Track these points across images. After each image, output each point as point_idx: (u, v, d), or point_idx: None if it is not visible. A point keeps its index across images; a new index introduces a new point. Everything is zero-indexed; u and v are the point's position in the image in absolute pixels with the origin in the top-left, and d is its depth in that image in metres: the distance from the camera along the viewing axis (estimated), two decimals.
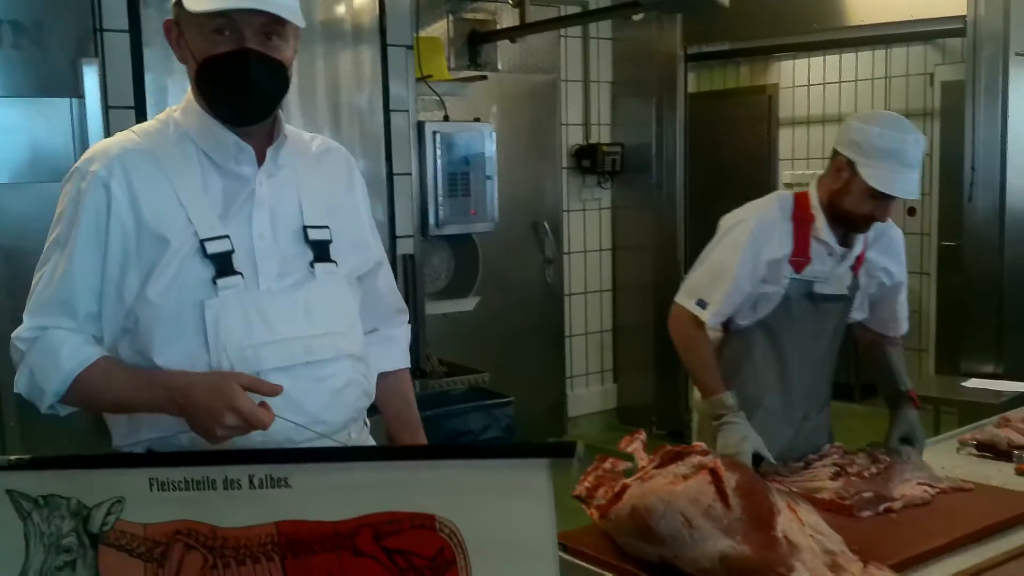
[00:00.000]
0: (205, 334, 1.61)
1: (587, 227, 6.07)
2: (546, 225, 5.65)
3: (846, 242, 2.51)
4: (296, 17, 1.62)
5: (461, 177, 4.66)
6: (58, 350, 1.61)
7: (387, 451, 1.58)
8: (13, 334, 1.64)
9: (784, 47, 6.00)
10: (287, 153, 1.75)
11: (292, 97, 3.54)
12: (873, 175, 2.33)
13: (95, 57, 3.00)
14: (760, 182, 6.07)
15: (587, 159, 5.88)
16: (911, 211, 6.21)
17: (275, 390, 1.55)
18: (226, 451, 1.51)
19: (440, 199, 4.60)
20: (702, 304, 2.46)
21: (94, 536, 1.51)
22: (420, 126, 4.45)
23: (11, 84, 2.84)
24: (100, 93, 2.99)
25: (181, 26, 1.65)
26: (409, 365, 2.06)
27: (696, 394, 2.59)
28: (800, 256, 2.46)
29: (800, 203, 2.49)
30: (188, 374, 1.58)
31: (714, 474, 1.67)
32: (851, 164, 2.36)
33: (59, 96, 2.93)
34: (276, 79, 1.65)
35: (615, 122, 6.07)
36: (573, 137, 5.92)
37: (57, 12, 2.91)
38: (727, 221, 2.54)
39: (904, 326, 2.74)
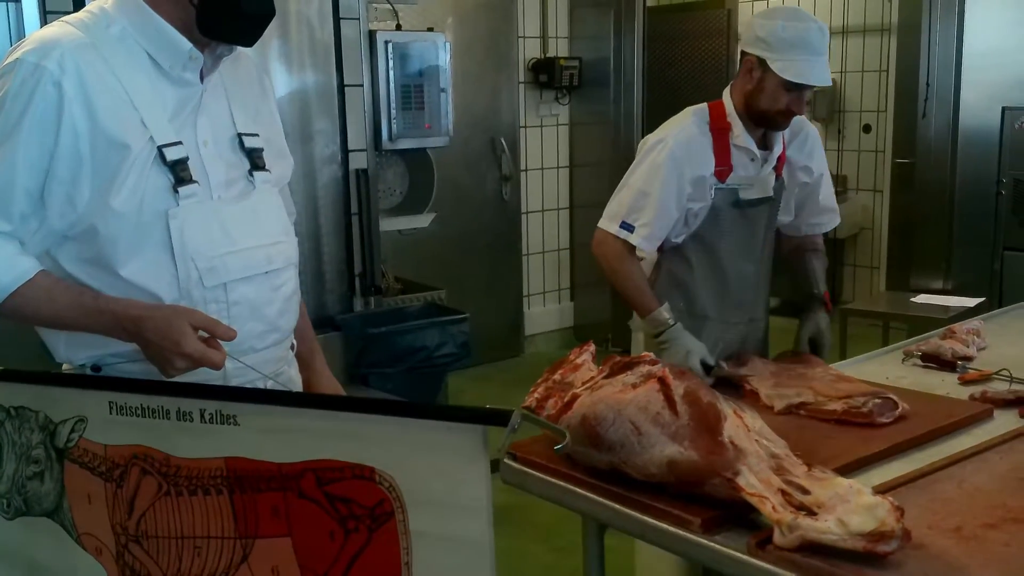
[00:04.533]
0: (170, 245, 1.57)
1: (544, 143, 6.02)
2: (503, 141, 5.58)
3: (765, 144, 2.53)
4: None
5: (415, 89, 4.57)
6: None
7: (329, 400, 1.61)
8: None
9: None
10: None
11: None
12: (785, 68, 2.35)
13: None
14: (718, 96, 6.01)
15: (544, 73, 5.80)
16: (867, 128, 6.23)
17: (229, 334, 1.54)
18: (181, 383, 1.51)
19: (393, 112, 4.51)
20: (627, 227, 2.46)
21: (60, 451, 1.54)
22: (371, 36, 4.33)
23: None
24: None
25: None
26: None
27: (641, 335, 2.61)
28: (722, 165, 2.47)
29: (716, 113, 2.50)
30: (139, 304, 1.54)
31: (662, 382, 1.67)
32: (761, 62, 2.38)
33: None
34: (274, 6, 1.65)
35: (573, 35, 5.98)
36: (530, 51, 5.82)
37: None
38: (646, 142, 2.54)
39: (836, 216, 2.78)
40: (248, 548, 1.45)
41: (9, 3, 2.86)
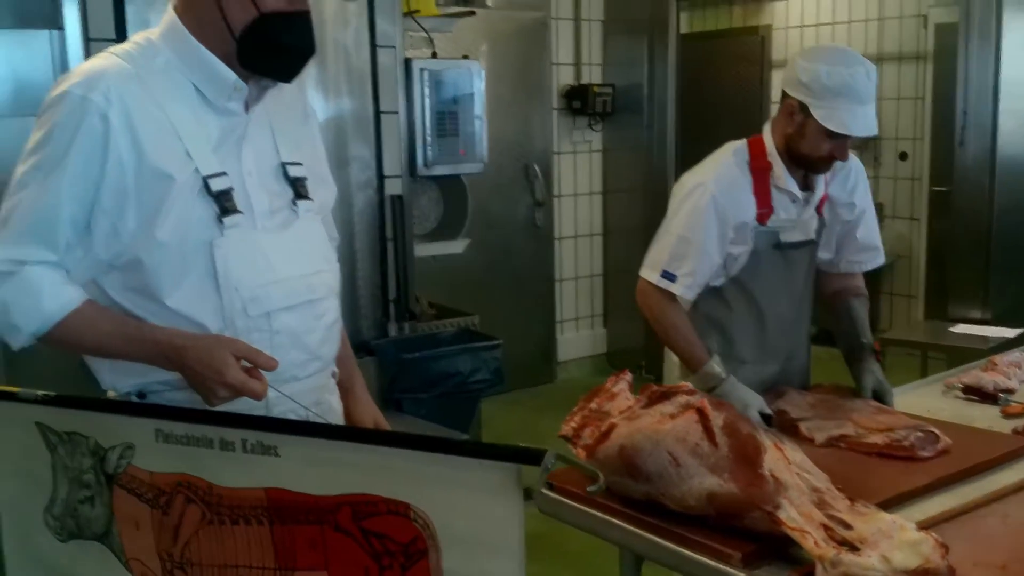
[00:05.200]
0: (215, 275, 1.59)
1: (577, 169, 6.02)
2: (536, 167, 5.60)
3: (807, 184, 2.45)
4: None
5: (449, 116, 4.59)
6: (38, 290, 1.55)
7: (366, 433, 1.61)
8: None
9: None
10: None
11: None
12: (828, 116, 2.25)
13: None
14: (752, 124, 5.96)
15: (578, 100, 5.81)
16: (903, 156, 6.18)
17: (271, 364, 1.55)
18: (223, 412, 1.52)
19: (428, 139, 4.54)
20: (669, 276, 2.38)
21: (109, 476, 1.56)
22: (407, 63, 4.37)
23: None
24: (80, 25, 2.93)
25: None
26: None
27: (674, 358, 2.57)
28: (764, 208, 2.39)
29: (756, 152, 2.41)
30: (182, 334, 1.56)
31: (701, 413, 1.66)
32: (803, 107, 2.29)
33: (38, 28, 2.86)
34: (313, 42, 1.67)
35: (606, 62, 5.99)
36: (564, 77, 5.84)
37: None
38: (685, 184, 2.45)
39: (881, 255, 2.65)
40: None
41: (52, 30, 2.90)
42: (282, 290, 1.64)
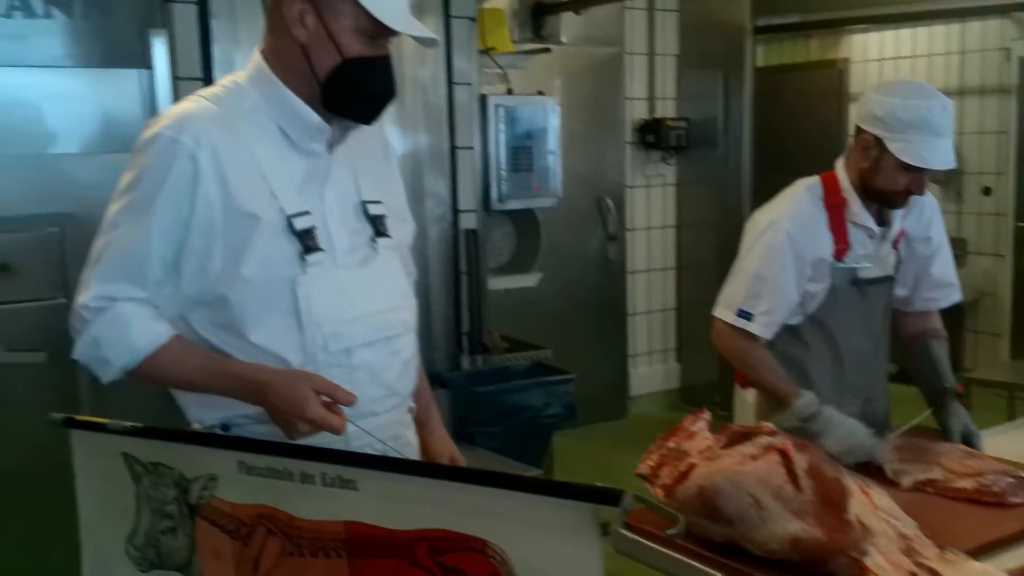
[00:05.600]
0: (297, 311, 1.62)
1: (651, 203, 6.00)
2: (609, 201, 5.59)
3: (883, 220, 2.40)
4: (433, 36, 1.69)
5: (524, 151, 4.62)
6: (128, 325, 1.60)
7: (445, 470, 1.62)
8: (77, 302, 1.62)
9: (856, 20, 5.83)
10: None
11: None
12: (903, 149, 2.21)
13: (163, 28, 3.01)
14: (830, 159, 5.88)
15: (651, 134, 5.80)
16: (986, 191, 6.03)
17: (349, 399, 1.56)
18: (305, 446, 1.53)
19: (503, 173, 4.57)
20: (746, 315, 2.35)
21: (192, 507, 1.58)
22: (483, 99, 4.41)
23: (80, 54, 2.87)
24: (168, 64, 3.01)
25: (324, 16, 1.60)
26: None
27: (748, 396, 2.52)
28: (840, 244, 2.35)
29: (830, 188, 2.38)
30: (264, 369, 1.59)
31: (784, 455, 1.63)
32: (878, 141, 2.25)
33: (127, 67, 2.95)
34: (396, 86, 1.71)
35: (680, 96, 5.98)
36: (637, 111, 5.84)
37: None
38: (759, 221, 2.41)
39: (957, 292, 2.58)
40: None
41: (142, 70, 3.00)
42: (362, 326, 1.67)
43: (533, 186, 4.66)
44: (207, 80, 3.19)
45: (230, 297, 1.61)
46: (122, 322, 1.59)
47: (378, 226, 1.74)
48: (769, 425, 1.80)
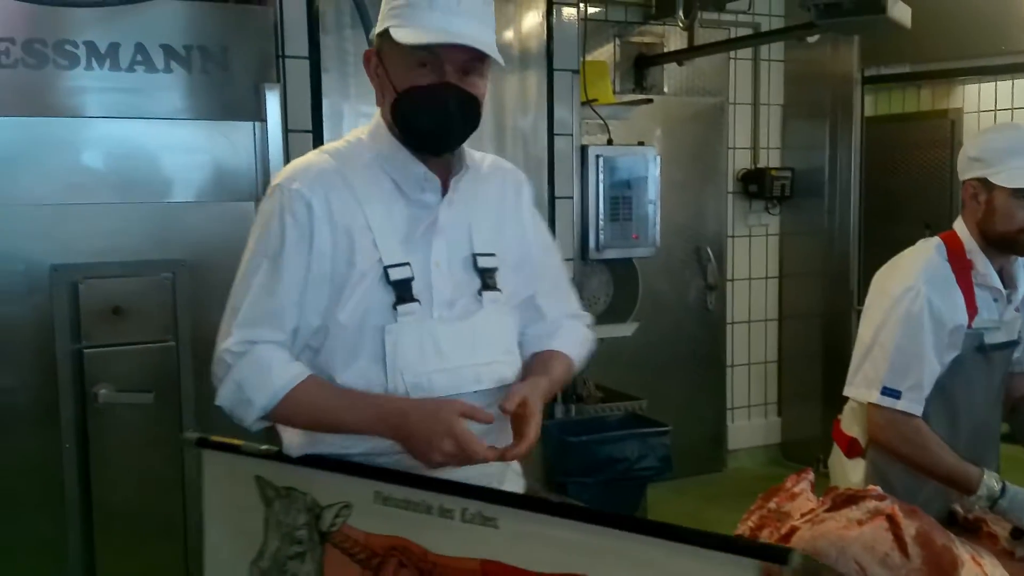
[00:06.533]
0: (383, 358, 1.65)
1: (752, 253, 5.91)
2: (709, 250, 5.53)
3: (1006, 281, 2.31)
4: (496, 54, 1.66)
5: (623, 201, 4.62)
6: (268, 365, 1.64)
7: (596, 514, 1.53)
8: (220, 347, 1.67)
9: (969, 70, 5.67)
10: (465, 180, 1.78)
11: None
12: (1010, 177, 2.16)
13: (277, 82, 3.12)
14: (940, 211, 5.76)
15: (754, 183, 5.73)
16: None
17: (488, 418, 1.57)
18: (445, 480, 1.52)
19: (601, 223, 4.58)
20: (893, 393, 2.21)
21: (323, 534, 1.58)
22: (583, 150, 4.45)
23: (198, 107, 2.99)
24: (281, 117, 3.11)
25: (383, 56, 1.70)
26: (570, 355, 1.89)
27: (852, 472, 2.38)
28: (970, 308, 2.25)
29: (954, 249, 2.29)
30: (403, 399, 1.62)
31: (891, 521, 1.57)
32: (983, 182, 2.20)
33: (242, 120, 3.06)
34: (470, 113, 1.69)
35: (785, 146, 5.90)
36: (740, 161, 5.78)
37: (243, 39, 3.05)
38: (888, 291, 2.29)
39: None
40: None
41: (255, 122, 3.10)
42: (447, 378, 1.67)
43: (632, 235, 4.66)
44: (316, 132, 3.29)
45: (326, 339, 1.66)
46: (263, 363, 1.64)
47: (487, 279, 1.75)
48: (876, 489, 1.74)
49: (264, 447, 1.67)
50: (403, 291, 1.66)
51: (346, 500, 1.55)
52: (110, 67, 2.83)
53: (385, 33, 1.66)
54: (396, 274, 1.66)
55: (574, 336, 1.93)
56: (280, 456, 1.63)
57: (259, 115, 3.07)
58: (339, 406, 1.63)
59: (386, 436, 1.60)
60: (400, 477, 1.52)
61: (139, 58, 2.88)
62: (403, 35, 1.61)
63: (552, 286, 1.92)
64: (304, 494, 1.60)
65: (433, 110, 1.66)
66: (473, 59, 1.66)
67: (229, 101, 3.04)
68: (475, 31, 1.63)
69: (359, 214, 1.68)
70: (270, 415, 1.66)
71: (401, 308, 1.66)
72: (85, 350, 2.80)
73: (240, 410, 1.66)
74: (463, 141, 1.75)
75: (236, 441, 1.71)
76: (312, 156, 1.76)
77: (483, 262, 1.75)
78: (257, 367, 1.64)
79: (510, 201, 1.86)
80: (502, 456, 1.59)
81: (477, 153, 1.88)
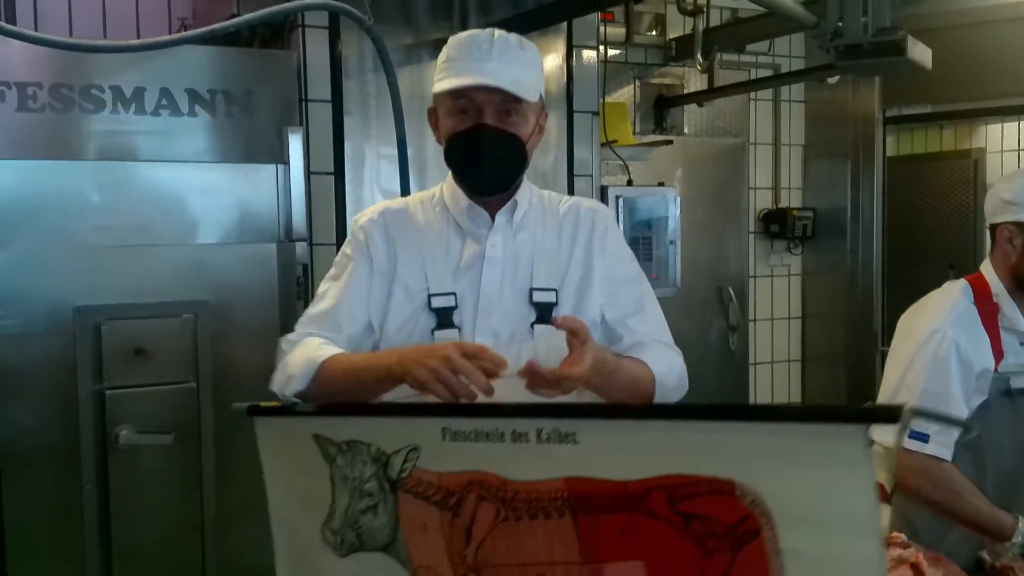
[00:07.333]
0: None
1: (775, 293, 5.88)
2: (731, 290, 5.51)
3: None
4: (528, 93, 1.74)
5: (643, 241, 4.62)
6: (313, 345, 1.77)
7: (683, 410, 1.44)
8: (283, 337, 1.84)
9: (991, 110, 5.66)
10: (529, 217, 1.87)
11: None
12: None
13: (300, 125, 3.16)
14: (964, 251, 5.72)
15: (776, 223, 5.71)
16: None
17: (499, 361, 1.54)
18: (514, 404, 1.48)
19: None
20: (920, 437, 2.19)
21: (393, 482, 1.54)
22: (603, 190, 4.45)
23: (222, 150, 3.03)
24: (303, 159, 3.15)
25: (438, 111, 1.84)
26: (652, 367, 1.85)
27: (880, 517, 2.36)
28: (996, 352, 2.23)
29: (980, 292, 2.27)
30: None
31: (916, 569, 1.54)
32: (1019, 226, 2.19)
33: (265, 162, 3.10)
34: (509, 152, 1.78)
35: (806, 186, 5.89)
36: (761, 201, 5.77)
37: (266, 83, 3.10)
38: (915, 333, 2.28)
39: None
40: (597, 574, 1.36)
41: (278, 164, 3.13)
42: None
43: (652, 276, 4.64)
44: (339, 174, 3.32)
45: (380, 347, 1.82)
46: (310, 345, 1.78)
47: (542, 312, 1.79)
48: (901, 536, 1.71)
49: (318, 404, 1.70)
50: (444, 318, 1.76)
51: (413, 443, 1.49)
52: (135, 111, 2.88)
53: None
54: (438, 302, 1.77)
55: (660, 355, 1.89)
56: (338, 409, 1.61)
57: (282, 157, 3.11)
58: (361, 361, 1.72)
59: (393, 382, 1.62)
60: (466, 409, 1.48)
61: (164, 102, 2.92)
62: (441, 85, 1.77)
63: (636, 309, 1.92)
64: (367, 445, 1.55)
65: (469, 151, 1.78)
66: (509, 99, 1.74)
67: (252, 144, 3.08)
68: (508, 73, 1.73)
69: (414, 244, 1.84)
70: (310, 390, 1.73)
71: (438, 334, 1.76)
72: (107, 391, 2.83)
73: (286, 387, 1.75)
74: (509, 178, 1.84)
75: (289, 402, 1.71)
76: (386, 201, 2.02)
77: (539, 296, 1.80)
78: (304, 347, 1.77)
79: (583, 240, 1.89)
80: (543, 380, 1.54)
81: (556, 194, 1.98)
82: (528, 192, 1.90)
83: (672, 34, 5.12)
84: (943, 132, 6.49)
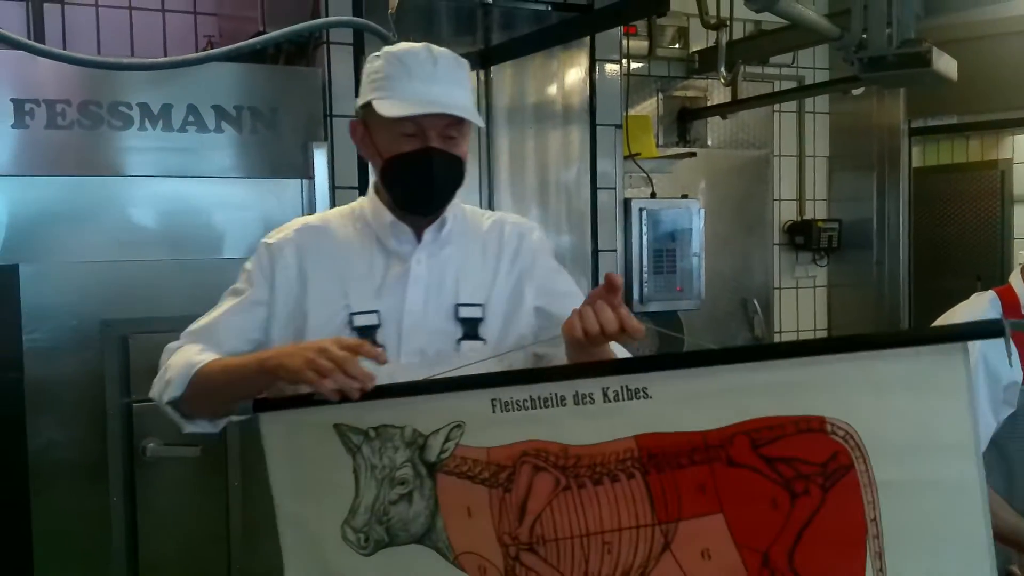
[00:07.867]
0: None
1: (800, 305, 5.84)
2: (755, 303, 5.48)
3: None
4: (475, 117, 1.75)
5: (667, 254, 4.61)
6: (190, 352, 1.76)
7: (762, 350, 1.39)
8: (167, 346, 1.83)
9: (1017, 121, 5.61)
10: (453, 232, 1.85)
11: (502, 174, 3.63)
12: None
13: (325, 141, 3.18)
14: (991, 262, 5.66)
15: (801, 235, 5.68)
16: None
17: (377, 355, 1.54)
18: (575, 365, 1.41)
19: (645, 276, 4.56)
20: None
21: (431, 465, 1.45)
22: (627, 203, 4.45)
23: (248, 166, 3.05)
24: (328, 174, 3.17)
25: (368, 126, 1.81)
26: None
27: None
28: (1022, 362, 2.18)
29: (1009, 303, 2.24)
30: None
31: None
32: None
33: (291, 177, 3.12)
34: (455, 173, 1.79)
35: (831, 197, 5.85)
36: (786, 213, 5.74)
37: (292, 99, 3.12)
38: None
39: None
40: (670, 534, 1.30)
41: (303, 179, 3.15)
42: None
43: (676, 288, 4.63)
44: (363, 189, 3.33)
45: None
46: (190, 351, 1.77)
47: (468, 329, 1.78)
48: None
49: None
50: (366, 336, 1.72)
51: (456, 420, 1.42)
52: (163, 127, 2.91)
53: (368, 104, 1.76)
54: (361, 320, 1.75)
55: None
56: (368, 394, 1.47)
57: (307, 173, 3.13)
58: (233, 363, 1.69)
59: (266, 381, 1.62)
60: (522, 376, 1.40)
61: (191, 119, 2.95)
62: (386, 108, 1.72)
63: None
64: (400, 428, 1.46)
65: (419, 174, 1.75)
66: (452, 123, 1.75)
67: (278, 159, 3.10)
68: (453, 97, 1.73)
69: (332, 264, 1.80)
70: (185, 395, 1.72)
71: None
72: (134, 404, 2.85)
73: (164, 392, 1.74)
74: (450, 199, 1.83)
75: (305, 392, 1.56)
76: (302, 216, 1.95)
77: (465, 312, 1.79)
78: (181, 353, 1.77)
79: (508, 254, 1.88)
80: (617, 299, 1.48)
81: (479, 210, 1.98)
82: (453, 207, 1.87)
83: (695, 47, 5.11)
84: (969, 143, 6.42)
